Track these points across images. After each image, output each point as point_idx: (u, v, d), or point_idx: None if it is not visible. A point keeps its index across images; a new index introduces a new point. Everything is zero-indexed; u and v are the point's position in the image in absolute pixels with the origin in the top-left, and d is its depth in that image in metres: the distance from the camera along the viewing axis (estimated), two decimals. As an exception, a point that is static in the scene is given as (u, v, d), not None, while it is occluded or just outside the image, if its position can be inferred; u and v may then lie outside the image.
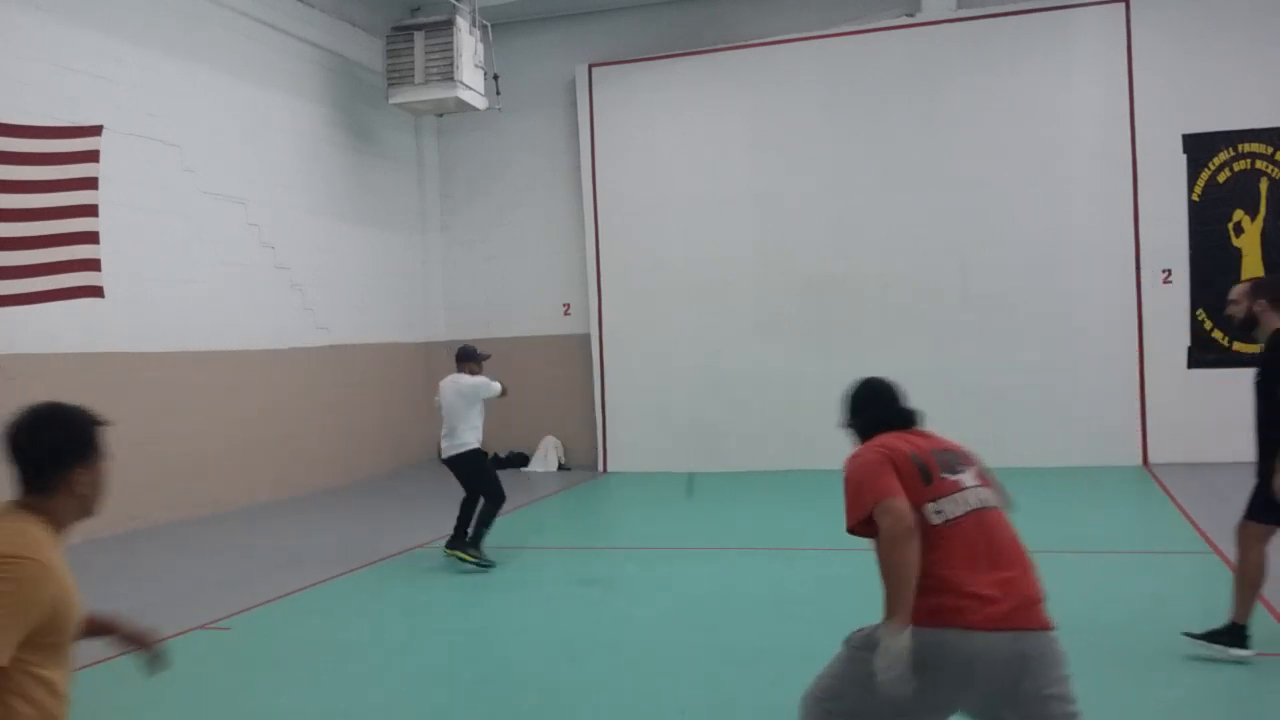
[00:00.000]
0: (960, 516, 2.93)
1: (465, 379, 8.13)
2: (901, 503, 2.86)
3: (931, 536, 2.86)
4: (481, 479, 8.05)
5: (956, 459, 3.09)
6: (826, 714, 3.03)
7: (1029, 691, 2.79)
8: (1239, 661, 5.02)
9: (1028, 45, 12.49)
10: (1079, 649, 5.29)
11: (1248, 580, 5.14)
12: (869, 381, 3.43)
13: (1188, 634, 5.24)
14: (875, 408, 3.33)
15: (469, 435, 8.02)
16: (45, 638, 2.28)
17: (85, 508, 2.47)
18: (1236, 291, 5.28)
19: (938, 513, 2.92)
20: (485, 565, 7.73)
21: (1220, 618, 5.71)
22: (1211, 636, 5.15)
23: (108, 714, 5.07)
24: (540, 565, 7.21)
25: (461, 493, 8.19)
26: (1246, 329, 5.24)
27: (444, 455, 8.12)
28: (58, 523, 2.42)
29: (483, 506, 7.95)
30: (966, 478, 3.03)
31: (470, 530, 7.88)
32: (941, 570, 2.83)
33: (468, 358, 8.29)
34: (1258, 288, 5.22)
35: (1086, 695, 4.84)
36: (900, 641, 2.74)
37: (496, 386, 8.11)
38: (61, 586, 2.33)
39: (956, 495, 2.96)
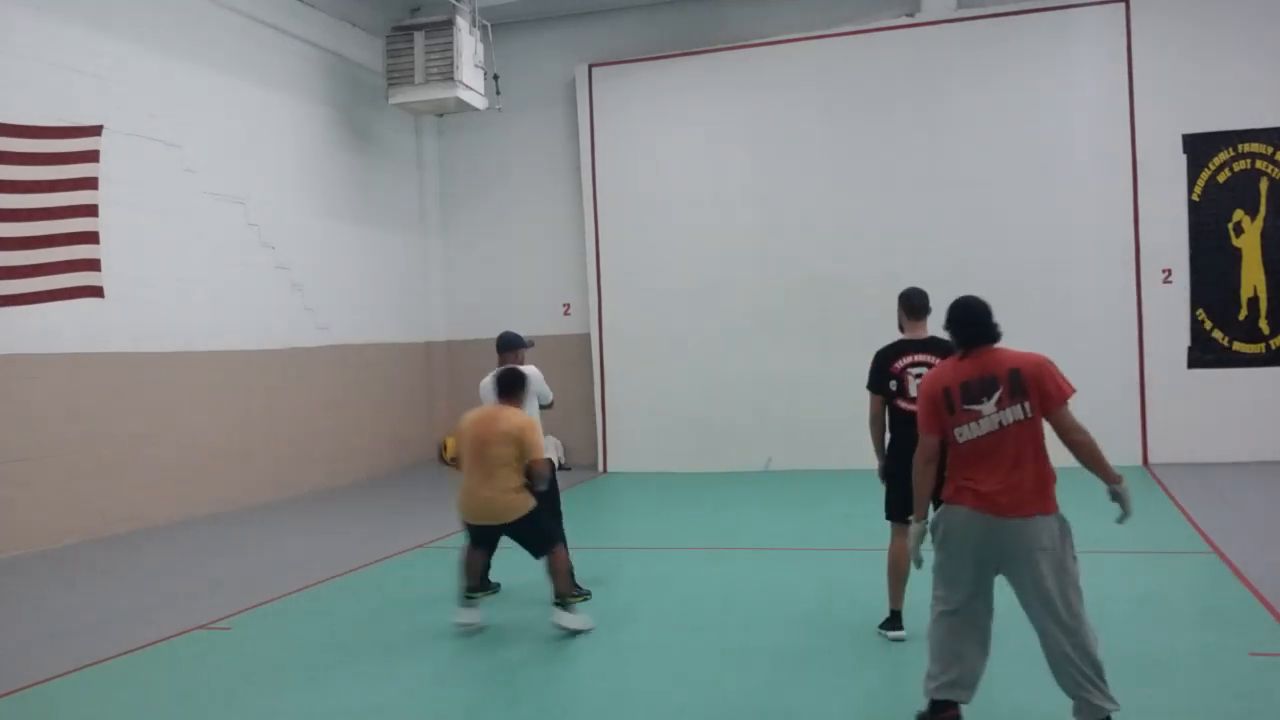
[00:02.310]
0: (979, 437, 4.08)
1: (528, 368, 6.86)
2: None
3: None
4: (549, 498, 6.71)
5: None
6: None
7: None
8: (897, 641, 5.43)
9: (1028, 45, 12.49)
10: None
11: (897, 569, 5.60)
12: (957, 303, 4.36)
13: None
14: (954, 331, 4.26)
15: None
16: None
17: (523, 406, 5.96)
18: None
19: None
20: (583, 595, 6.69)
21: (1220, 617, 5.72)
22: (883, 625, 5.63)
23: (109, 714, 5.07)
24: (540, 565, 7.18)
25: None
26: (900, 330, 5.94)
27: None
28: None
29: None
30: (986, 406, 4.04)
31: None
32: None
33: (516, 345, 7.09)
34: (900, 296, 6.04)
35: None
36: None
37: (549, 391, 7.03)
38: None
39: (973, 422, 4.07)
